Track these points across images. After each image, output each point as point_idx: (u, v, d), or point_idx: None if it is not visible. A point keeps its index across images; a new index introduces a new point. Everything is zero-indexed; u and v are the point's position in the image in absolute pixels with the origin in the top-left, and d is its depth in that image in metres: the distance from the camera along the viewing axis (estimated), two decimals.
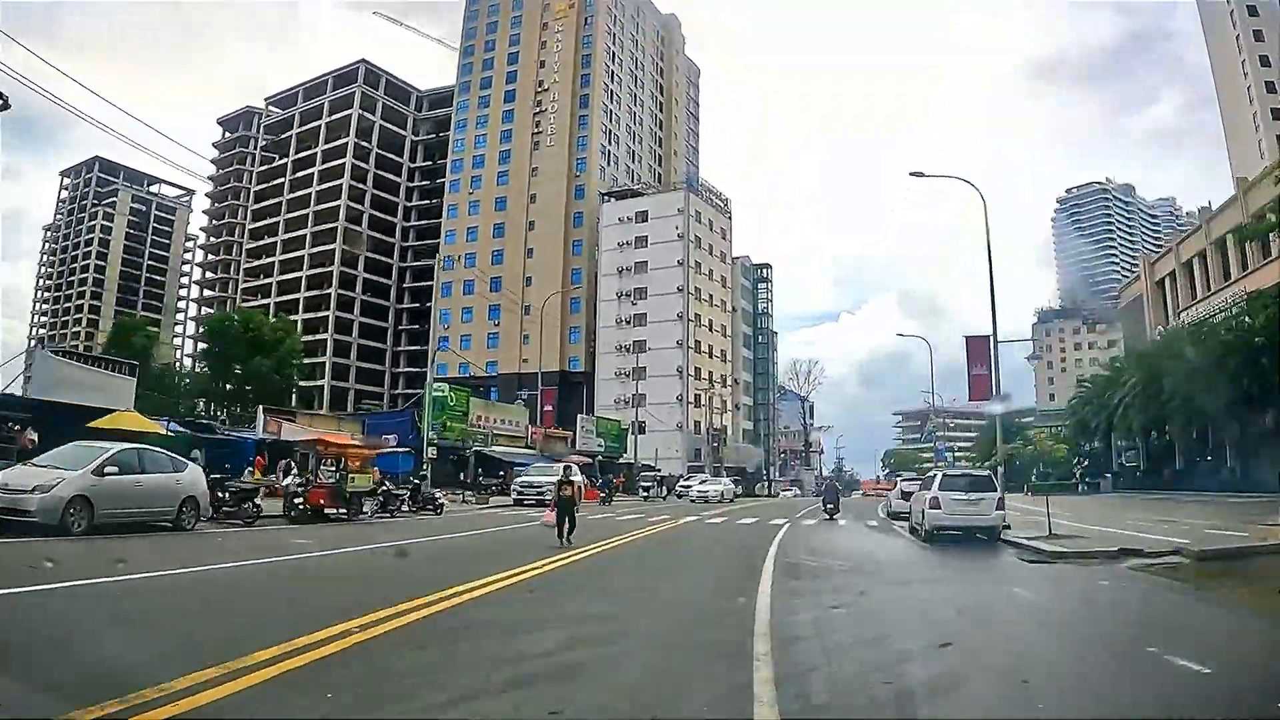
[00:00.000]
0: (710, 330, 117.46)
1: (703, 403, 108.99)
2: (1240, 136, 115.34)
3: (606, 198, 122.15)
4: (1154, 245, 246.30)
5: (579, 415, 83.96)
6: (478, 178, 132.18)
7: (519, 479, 48.99)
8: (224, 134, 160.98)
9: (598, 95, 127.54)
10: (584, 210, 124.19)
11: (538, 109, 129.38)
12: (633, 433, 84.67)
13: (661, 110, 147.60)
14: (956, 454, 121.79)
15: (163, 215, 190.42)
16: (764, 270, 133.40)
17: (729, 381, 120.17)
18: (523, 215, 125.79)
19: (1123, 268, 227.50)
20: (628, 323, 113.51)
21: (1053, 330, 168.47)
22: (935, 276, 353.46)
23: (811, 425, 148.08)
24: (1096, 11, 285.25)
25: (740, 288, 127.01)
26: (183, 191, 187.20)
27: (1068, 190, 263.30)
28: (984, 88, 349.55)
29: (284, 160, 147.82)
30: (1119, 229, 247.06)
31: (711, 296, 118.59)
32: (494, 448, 65.00)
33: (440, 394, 57.58)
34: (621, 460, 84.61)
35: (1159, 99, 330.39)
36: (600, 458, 79.30)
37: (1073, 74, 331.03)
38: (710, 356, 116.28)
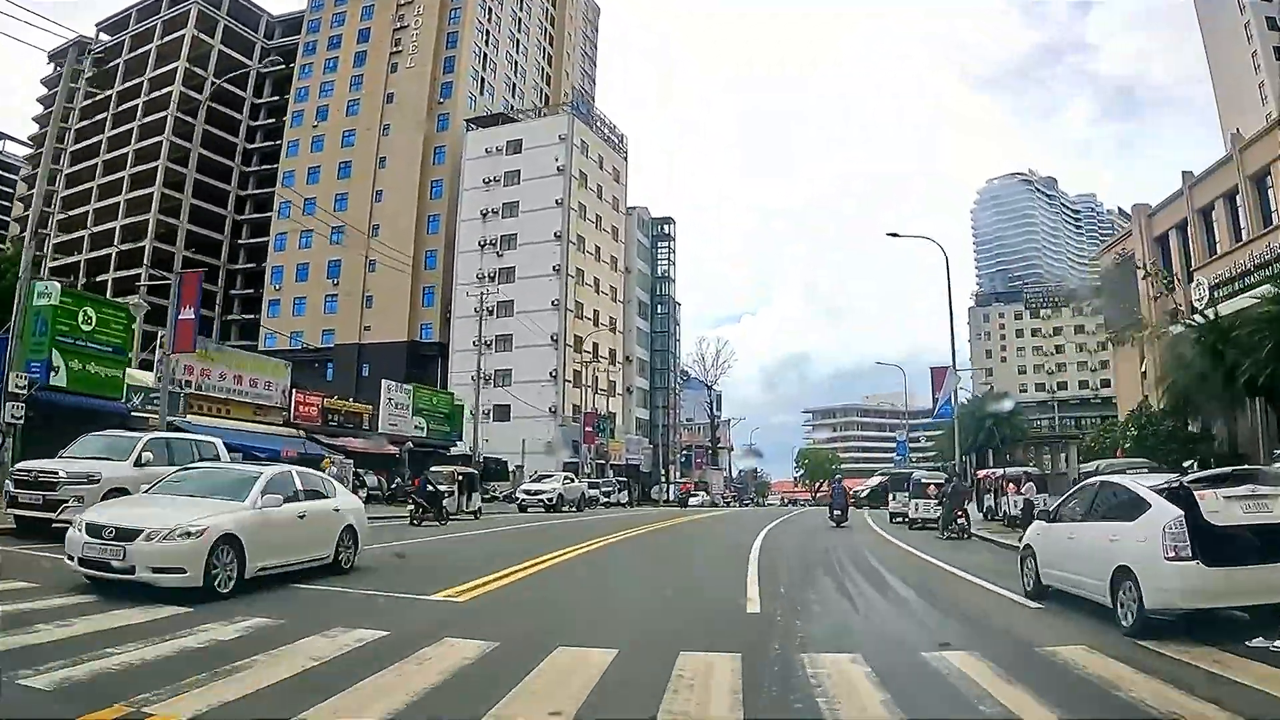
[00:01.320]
0: (597, 292, 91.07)
1: (584, 382, 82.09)
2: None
3: (472, 125, 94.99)
4: (1075, 240, 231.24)
5: (384, 382, 56.19)
6: (324, 108, 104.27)
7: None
8: (54, 69, 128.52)
9: (471, 10, 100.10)
10: (447, 144, 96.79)
11: (399, 24, 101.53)
12: (473, 412, 58.00)
13: (552, 44, 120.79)
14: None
15: None
16: (666, 226, 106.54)
17: (620, 358, 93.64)
18: (373, 152, 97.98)
19: (1046, 258, 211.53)
20: (491, 278, 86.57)
21: (991, 315, 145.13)
22: (843, 272, 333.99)
23: (719, 418, 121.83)
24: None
25: (636, 245, 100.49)
26: None
27: (988, 180, 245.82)
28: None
29: (109, 94, 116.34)
30: (1042, 220, 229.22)
31: (599, 250, 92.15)
32: (204, 419, 37.15)
33: (53, 302, 29.65)
34: (455, 451, 57.65)
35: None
36: (409, 446, 52.16)
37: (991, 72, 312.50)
38: (596, 325, 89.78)
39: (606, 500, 57.33)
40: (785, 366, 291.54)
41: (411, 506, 29.56)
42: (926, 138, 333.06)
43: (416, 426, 55.65)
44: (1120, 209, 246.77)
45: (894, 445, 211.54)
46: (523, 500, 44.97)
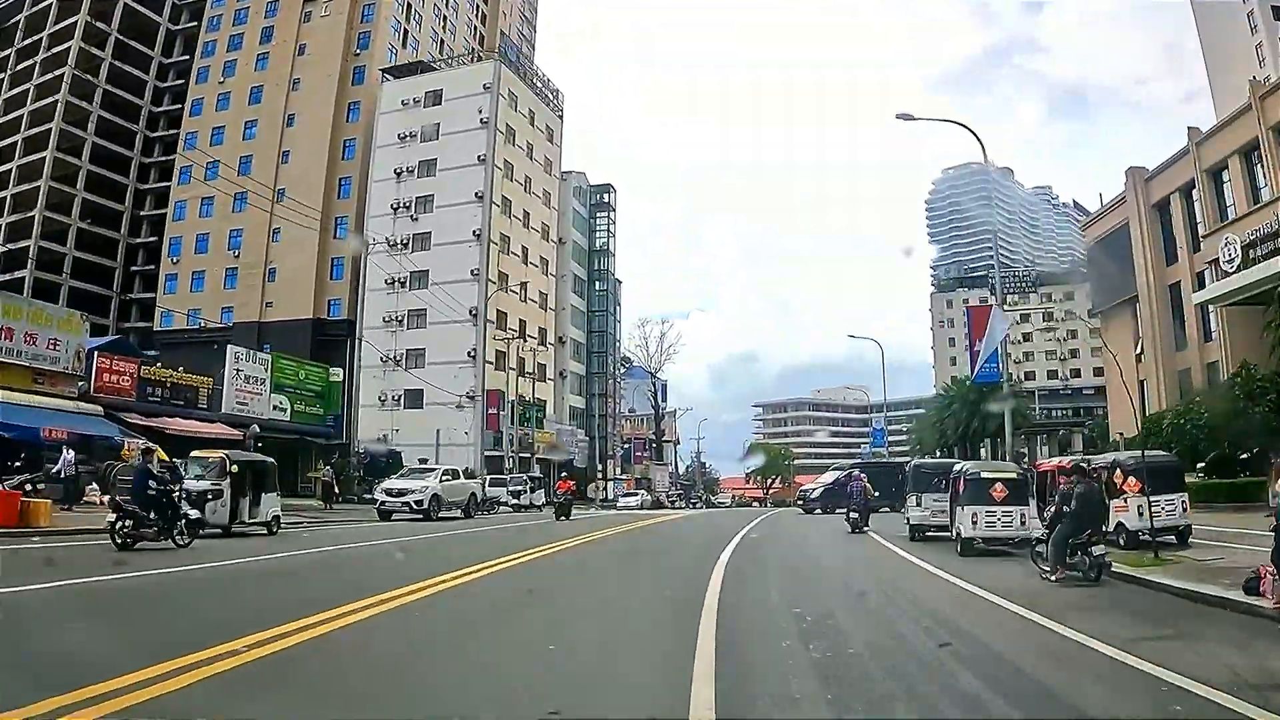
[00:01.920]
0: (525, 262, 79.75)
1: (509, 364, 70.75)
2: None
3: (388, 76, 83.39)
4: (1032, 232, 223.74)
5: (230, 349, 44.50)
6: (232, 63, 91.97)
7: None
8: None
9: None
10: (362, 100, 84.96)
11: None
12: (346, 390, 46.91)
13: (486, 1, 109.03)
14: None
15: None
16: (606, 194, 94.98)
17: (551, 338, 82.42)
18: (281, 109, 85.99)
19: (1003, 247, 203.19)
20: (404, 245, 75.12)
21: (955, 301, 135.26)
22: (792, 269, 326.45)
23: (664, 408, 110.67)
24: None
25: (572, 214, 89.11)
26: None
27: (943, 171, 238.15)
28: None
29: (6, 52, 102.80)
30: (999, 210, 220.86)
31: (527, 216, 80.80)
32: None
33: None
34: (334, 442, 46.26)
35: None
36: (256, 431, 40.53)
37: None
38: (524, 299, 78.40)
39: (518, 502, 46.20)
40: (734, 364, 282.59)
41: (113, 518, 17.78)
42: (880, 135, 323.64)
43: (276, 407, 44.21)
44: (1076, 202, 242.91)
45: (848, 441, 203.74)
46: (383, 503, 33.63)
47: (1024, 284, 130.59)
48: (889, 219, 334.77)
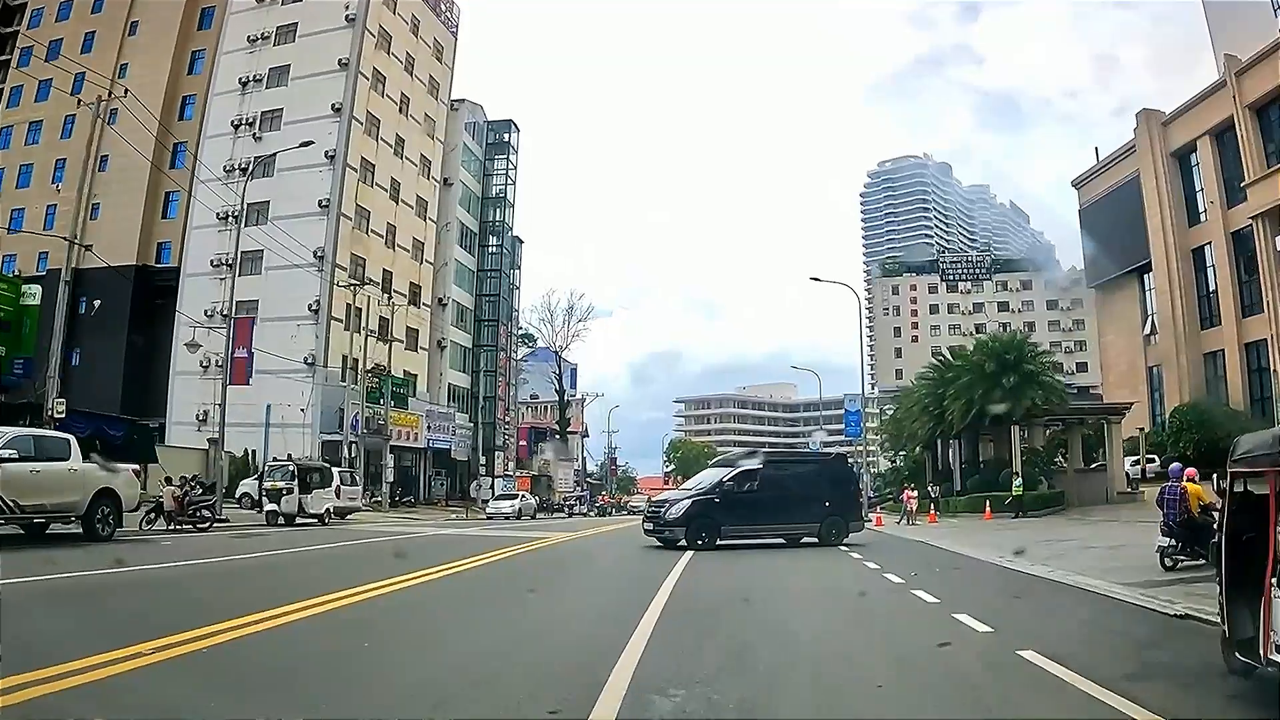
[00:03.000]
0: (396, 199, 62.95)
1: (364, 324, 53.73)
2: None
3: None
4: (968, 228, 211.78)
5: None
6: None
7: None
8: None
9: None
10: (217, 3, 67.28)
11: None
12: (55, 323, 29.80)
13: None
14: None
15: None
16: (506, 133, 77.76)
17: (427, 299, 65.59)
18: (123, 17, 68.12)
19: (939, 241, 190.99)
20: (243, 170, 57.89)
21: (901, 287, 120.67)
22: (718, 267, 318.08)
23: (571, 394, 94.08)
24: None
25: (462, 151, 72.16)
26: None
27: (880, 163, 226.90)
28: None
29: None
30: (935, 200, 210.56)
31: (402, 144, 63.92)
32: None
33: None
34: (20, 400, 29.32)
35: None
36: None
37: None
38: (390, 245, 61.59)
39: (276, 509, 29.33)
40: (655, 362, 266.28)
41: None
42: (811, 133, 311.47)
43: None
44: (1013, 203, 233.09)
45: (770, 440, 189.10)
46: None
47: (978, 270, 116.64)
48: (818, 220, 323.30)
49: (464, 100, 72.43)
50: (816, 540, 22.78)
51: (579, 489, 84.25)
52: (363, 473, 49.09)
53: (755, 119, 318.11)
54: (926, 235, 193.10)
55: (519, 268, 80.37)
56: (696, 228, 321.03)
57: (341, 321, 54.07)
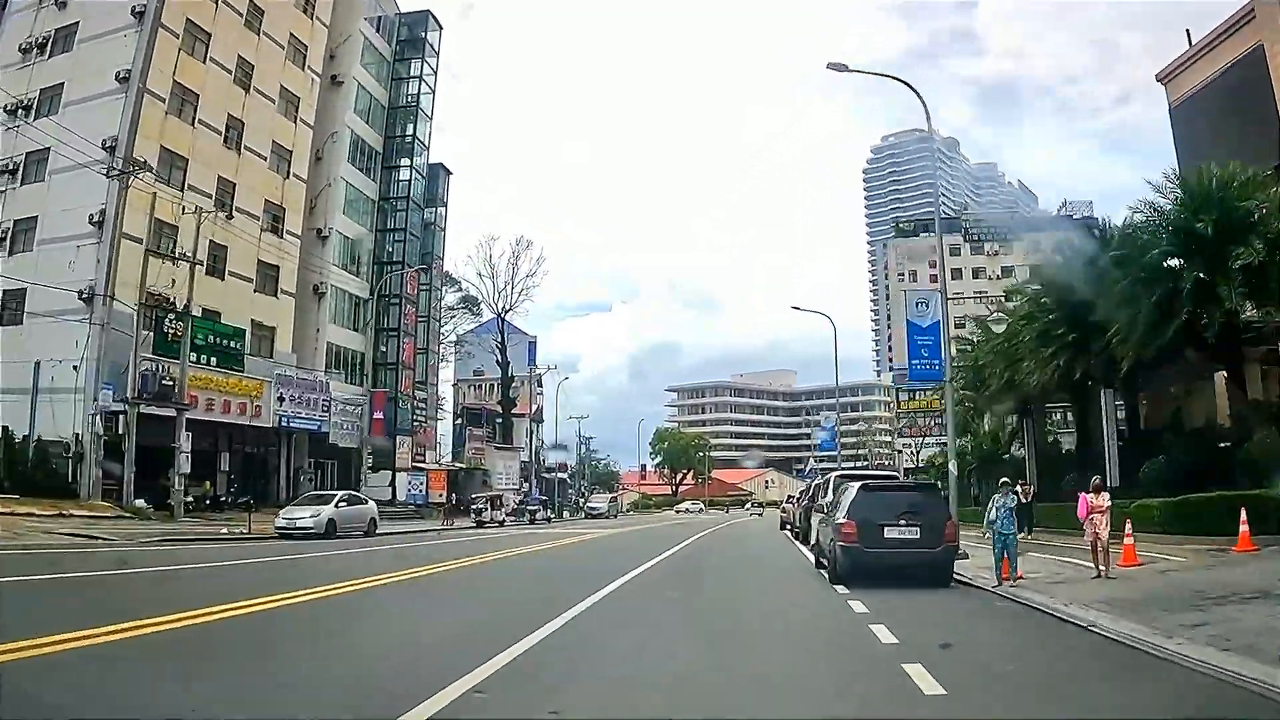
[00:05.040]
0: (246, 86, 44.01)
1: (178, 248, 35.61)
2: None
3: None
4: (977, 207, 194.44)
5: None
6: None
7: None
8: None
9: None
10: None
11: None
12: None
13: None
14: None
15: None
16: (422, 29, 58.65)
17: (293, 228, 46.67)
18: None
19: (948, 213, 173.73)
20: (41, 48, 40.21)
21: (918, 249, 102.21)
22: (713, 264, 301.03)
23: (531, 371, 75.52)
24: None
25: (364, 48, 53.74)
26: None
27: (884, 137, 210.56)
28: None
29: None
30: (942, 174, 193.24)
31: (260, 14, 45.02)
32: None
33: None
34: None
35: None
36: None
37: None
38: (236, 148, 43.18)
39: None
40: (653, 355, 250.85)
41: None
42: (807, 119, 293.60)
43: None
44: (1021, 182, 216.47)
45: (769, 431, 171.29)
46: None
47: (1005, 228, 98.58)
48: (819, 204, 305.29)
49: None
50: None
51: (524, 485, 66.07)
52: (132, 458, 31.39)
53: (747, 106, 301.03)
54: (930, 204, 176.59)
55: (445, 205, 61.78)
56: (694, 219, 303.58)
57: (141, 241, 35.92)
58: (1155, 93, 43.21)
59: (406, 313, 53.02)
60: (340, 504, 28.67)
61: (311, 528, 26.42)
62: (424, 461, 54.93)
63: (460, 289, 71.76)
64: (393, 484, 48.08)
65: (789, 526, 36.58)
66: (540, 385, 76.89)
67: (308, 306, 46.57)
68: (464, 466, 60.98)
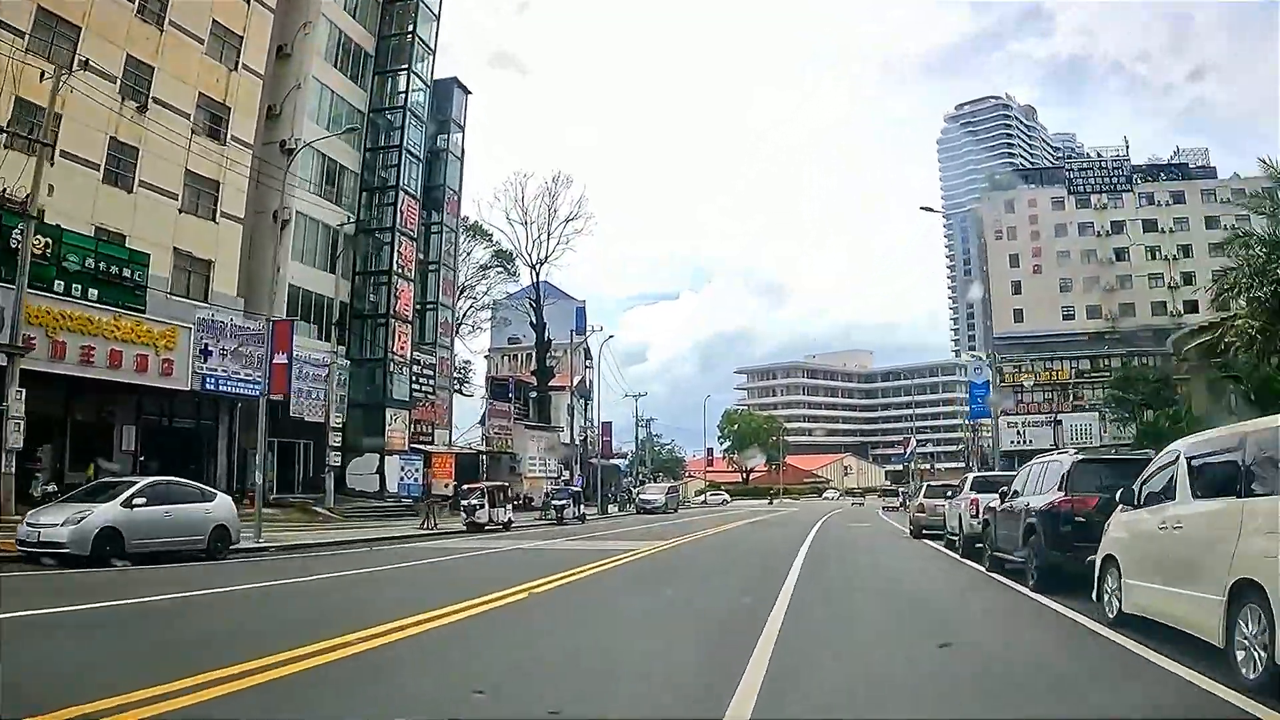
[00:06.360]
0: None
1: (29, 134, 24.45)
2: None
3: None
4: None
5: None
6: None
7: None
8: None
9: None
10: None
11: None
12: None
13: None
14: None
15: None
16: None
17: (239, 134, 35.09)
18: None
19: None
20: None
21: (1018, 203, 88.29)
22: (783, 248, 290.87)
23: (579, 340, 63.40)
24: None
25: None
26: None
27: (958, 107, 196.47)
28: None
29: None
30: (1020, 145, 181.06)
31: None
32: None
33: None
34: None
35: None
36: None
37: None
38: (158, 23, 31.67)
39: None
40: (724, 344, 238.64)
41: None
42: (871, 107, 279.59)
43: None
44: (1100, 153, 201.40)
45: (845, 414, 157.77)
46: None
47: (1115, 178, 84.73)
48: (889, 191, 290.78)
49: None
50: None
51: (564, 473, 54.31)
52: None
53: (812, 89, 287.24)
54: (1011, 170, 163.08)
55: (462, 129, 49.76)
56: (765, 207, 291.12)
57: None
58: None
59: (402, 251, 41.06)
60: (138, 501, 15.47)
61: (65, 544, 14.63)
62: (432, 443, 43.41)
63: (492, 242, 60.10)
64: (380, 471, 36.77)
65: (926, 531, 24.85)
66: (589, 358, 64.91)
67: (265, 239, 35.16)
68: (483, 449, 49.31)
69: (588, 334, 60.93)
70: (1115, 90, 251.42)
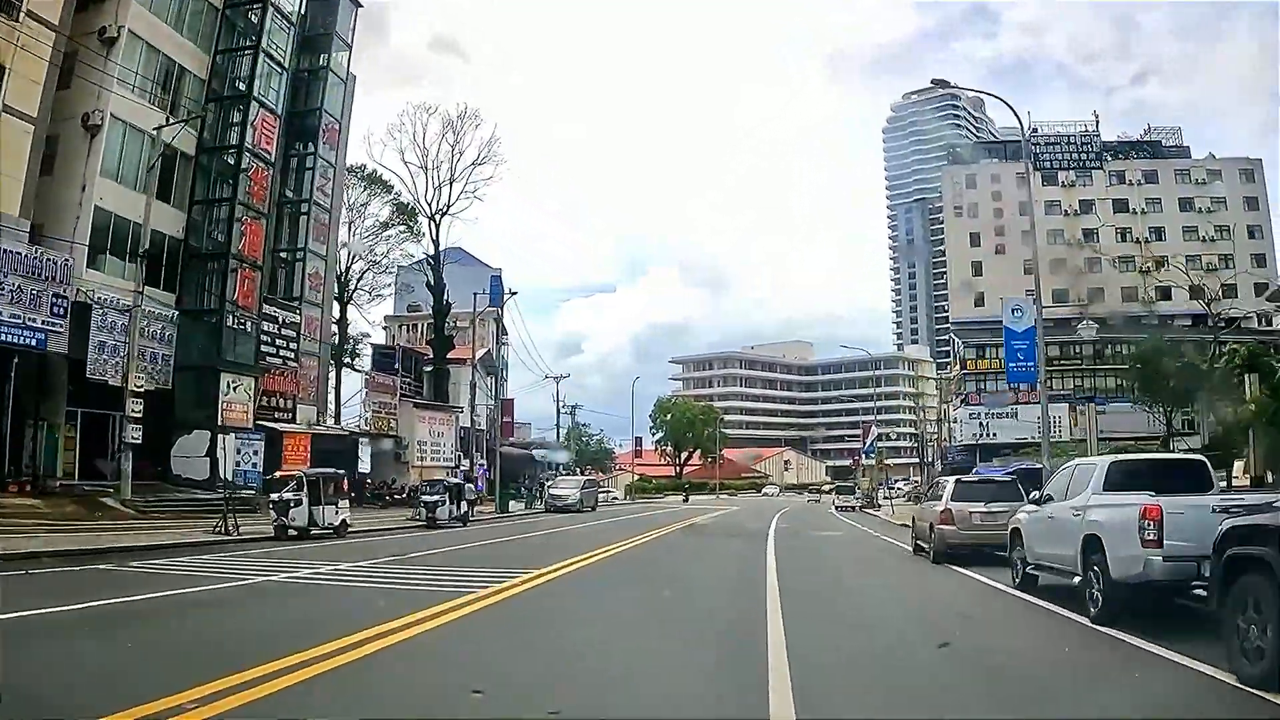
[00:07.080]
0: None
1: None
2: None
3: None
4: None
5: None
6: None
7: None
8: None
9: None
10: None
11: None
12: None
13: None
14: None
15: None
16: None
17: (31, 8, 26.67)
18: None
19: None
20: None
21: (979, 178, 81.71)
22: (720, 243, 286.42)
23: (491, 311, 55.04)
24: None
25: None
26: None
27: (905, 95, 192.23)
28: None
29: None
30: (968, 133, 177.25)
31: None
32: None
33: None
34: None
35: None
36: None
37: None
38: None
39: None
40: (660, 335, 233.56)
41: None
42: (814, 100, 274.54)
43: None
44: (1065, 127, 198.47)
45: (785, 407, 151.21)
46: None
47: (1083, 155, 78.56)
48: (830, 184, 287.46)
49: None
50: None
51: (463, 463, 46.16)
52: None
53: (742, 86, 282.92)
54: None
55: (349, 48, 40.10)
56: (702, 199, 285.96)
57: None
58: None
59: (253, 178, 32.80)
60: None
61: None
62: (292, 420, 35.15)
63: (393, 194, 51.85)
64: (211, 453, 28.65)
65: (923, 544, 17.81)
66: (505, 332, 56.87)
67: (70, 147, 26.77)
68: (359, 431, 41.01)
69: (505, 301, 52.44)
70: (1059, 90, 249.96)
